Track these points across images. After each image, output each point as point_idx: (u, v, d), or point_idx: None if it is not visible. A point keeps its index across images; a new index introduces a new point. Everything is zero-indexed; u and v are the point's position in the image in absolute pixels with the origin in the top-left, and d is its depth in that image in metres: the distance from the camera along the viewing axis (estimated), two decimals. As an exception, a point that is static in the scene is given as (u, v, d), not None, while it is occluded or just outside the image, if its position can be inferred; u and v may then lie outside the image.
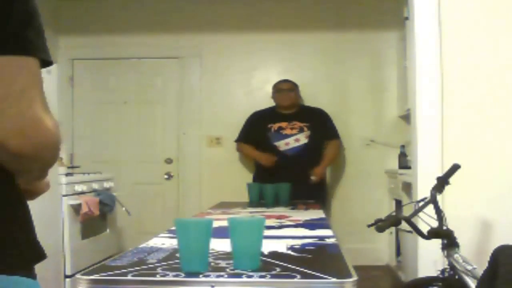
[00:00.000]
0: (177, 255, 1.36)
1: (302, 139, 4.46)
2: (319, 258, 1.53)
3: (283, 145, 4.44)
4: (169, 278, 1.23)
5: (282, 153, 4.43)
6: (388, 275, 4.62)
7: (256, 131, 4.58)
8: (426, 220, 2.17)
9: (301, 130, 4.47)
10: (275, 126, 4.48)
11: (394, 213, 2.33)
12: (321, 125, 4.58)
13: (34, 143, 0.82)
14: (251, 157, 4.72)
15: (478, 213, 2.80)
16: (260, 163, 4.50)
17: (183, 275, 1.24)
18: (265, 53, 5.13)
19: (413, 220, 2.15)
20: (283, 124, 4.48)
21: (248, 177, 4.60)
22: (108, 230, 4.12)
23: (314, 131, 4.50)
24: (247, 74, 5.11)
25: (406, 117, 4.14)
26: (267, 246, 1.52)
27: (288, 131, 4.46)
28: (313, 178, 4.41)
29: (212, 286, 1.20)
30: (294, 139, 4.45)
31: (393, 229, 4.22)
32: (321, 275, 1.22)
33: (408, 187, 3.62)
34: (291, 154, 4.43)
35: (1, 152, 0.80)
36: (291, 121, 4.50)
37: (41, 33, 0.82)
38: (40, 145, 0.83)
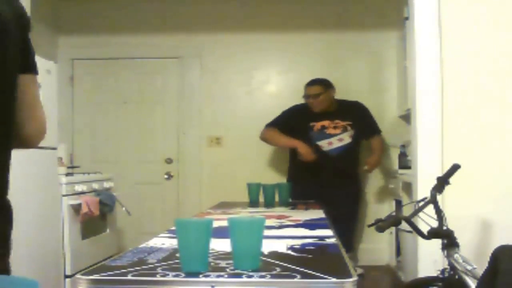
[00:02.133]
0: (177, 255, 1.36)
1: (346, 138, 4.33)
2: (319, 258, 1.53)
3: (326, 144, 4.29)
4: (169, 278, 1.22)
5: (325, 153, 4.29)
6: (388, 275, 4.62)
7: (297, 126, 4.34)
8: (426, 220, 2.17)
9: (344, 130, 4.33)
10: (318, 125, 4.30)
11: (394, 213, 2.33)
12: (362, 122, 4.45)
13: (42, 137, 1.23)
14: (286, 145, 4.41)
15: (478, 213, 2.80)
16: (298, 156, 4.23)
17: (183, 275, 1.24)
18: (265, 53, 5.13)
19: (413, 220, 2.15)
20: (326, 123, 4.31)
21: (249, 177, 4.52)
22: (108, 230, 4.12)
23: (357, 130, 4.37)
24: (247, 74, 5.11)
25: (406, 117, 4.14)
26: (267, 246, 1.52)
27: (331, 131, 4.30)
28: (366, 167, 4.44)
29: (212, 286, 1.20)
30: (337, 139, 4.30)
31: (393, 229, 4.22)
32: (321, 275, 1.22)
33: (408, 187, 3.62)
34: (334, 154, 4.30)
35: (25, 144, 1.22)
36: (333, 120, 4.33)
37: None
38: (43, 137, 1.24)
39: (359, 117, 4.45)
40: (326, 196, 3.67)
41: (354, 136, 4.37)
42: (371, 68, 5.07)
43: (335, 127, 4.28)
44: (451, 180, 2.28)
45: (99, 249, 3.86)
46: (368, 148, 4.61)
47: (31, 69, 1.20)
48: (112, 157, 5.11)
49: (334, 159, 4.30)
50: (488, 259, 1.79)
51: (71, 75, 5.17)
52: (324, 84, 4.38)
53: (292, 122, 4.39)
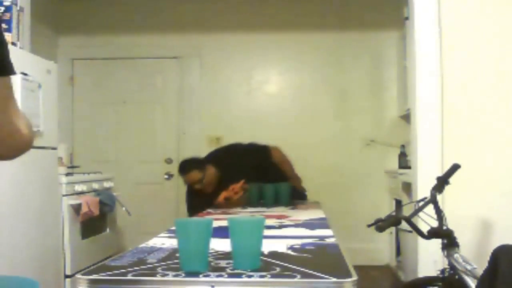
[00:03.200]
0: (177, 255, 1.36)
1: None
2: (319, 258, 1.53)
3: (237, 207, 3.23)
4: (169, 278, 1.22)
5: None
6: (388, 275, 4.62)
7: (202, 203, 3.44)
8: (426, 220, 2.17)
9: (245, 191, 3.42)
10: (220, 201, 3.40)
11: (394, 213, 2.33)
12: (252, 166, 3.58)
13: (11, 149, 0.98)
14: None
15: (478, 213, 2.80)
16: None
17: (183, 275, 1.24)
18: (265, 53, 5.13)
19: (413, 220, 2.15)
20: (226, 194, 3.41)
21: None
22: (108, 230, 4.12)
23: (252, 176, 3.48)
24: (247, 74, 5.11)
25: (406, 117, 4.14)
26: (267, 246, 1.52)
27: (235, 197, 3.41)
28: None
29: (212, 286, 1.20)
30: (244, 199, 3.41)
31: (393, 229, 4.22)
32: (321, 275, 1.22)
33: (408, 187, 3.62)
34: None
35: None
36: (226, 188, 3.44)
37: (8, 50, 0.93)
38: (17, 150, 0.99)
39: (245, 167, 3.56)
40: None
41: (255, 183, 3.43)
42: (371, 68, 5.07)
43: (236, 193, 3.42)
44: (451, 180, 2.28)
45: (99, 249, 3.86)
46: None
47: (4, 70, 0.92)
48: (112, 157, 5.11)
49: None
50: (488, 259, 1.79)
51: (71, 75, 5.17)
52: (199, 167, 3.56)
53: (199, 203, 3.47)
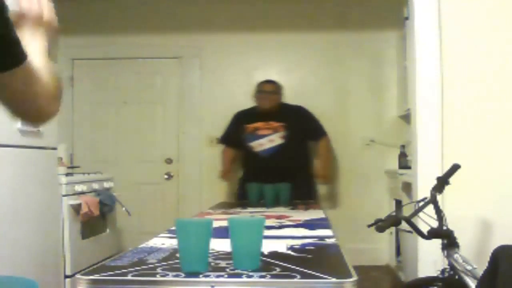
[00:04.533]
0: (177, 255, 1.36)
1: (276, 139, 4.30)
2: (319, 258, 1.53)
3: (257, 146, 4.32)
4: (169, 278, 1.23)
5: (256, 154, 4.33)
6: (388, 275, 4.62)
7: (236, 132, 4.46)
8: (426, 220, 2.17)
9: (275, 131, 4.32)
10: (251, 126, 4.35)
11: (394, 213, 2.33)
12: (300, 124, 4.41)
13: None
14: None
15: (478, 213, 2.80)
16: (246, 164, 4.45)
17: (183, 275, 1.24)
18: (265, 53, 5.13)
19: (413, 220, 2.15)
20: (260, 125, 4.34)
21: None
22: (108, 230, 4.12)
23: (291, 131, 4.32)
24: (247, 74, 5.11)
25: (406, 117, 4.14)
26: (267, 246, 1.52)
27: (263, 132, 4.33)
28: (319, 181, 4.52)
29: (212, 286, 1.20)
30: (268, 140, 4.30)
31: (393, 229, 4.22)
32: (321, 275, 1.22)
33: (408, 187, 3.62)
34: (266, 155, 4.31)
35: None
36: (267, 121, 4.34)
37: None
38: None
39: (298, 121, 4.41)
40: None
41: (287, 137, 4.30)
42: (371, 68, 5.07)
43: (267, 128, 4.31)
44: (451, 180, 2.28)
45: (99, 249, 3.86)
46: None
47: (16, 61, 0.95)
48: (112, 157, 5.11)
49: (266, 160, 4.29)
50: (488, 259, 1.79)
51: (71, 75, 5.17)
52: (278, 85, 4.52)
53: (232, 131, 4.51)
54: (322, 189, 4.83)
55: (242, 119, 4.49)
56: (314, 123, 4.54)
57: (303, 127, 4.43)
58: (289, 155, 4.30)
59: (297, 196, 3.55)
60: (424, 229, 2.14)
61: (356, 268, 1.31)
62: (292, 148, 4.32)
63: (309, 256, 1.52)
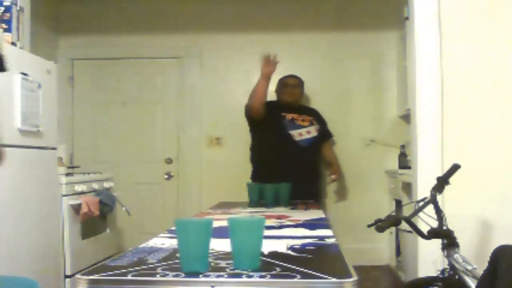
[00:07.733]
0: (177, 255, 1.36)
1: (313, 132, 4.48)
2: (319, 258, 1.53)
3: (297, 135, 4.42)
4: (169, 278, 1.23)
5: (296, 143, 4.40)
6: (388, 275, 4.62)
7: (271, 114, 4.37)
8: (426, 220, 2.17)
9: (311, 123, 4.50)
10: (289, 115, 4.46)
11: (394, 213, 2.33)
12: (319, 122, 4.62)
13: None
14: (262, 83, 4.19)
15: (478, 213, 2.80)
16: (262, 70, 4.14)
17: (183, 275, 1.24)
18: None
19: (413, 220, 2.15)
20: (295, 115, 4.48)
21: (248, 177, 4.54)
22: (108, 230, 4.12)
23: (319, 127, 4.57)
24: (247, 74, 5.10)
25: (406, 117, 4.14)
26: (267, 246, 1.52)
27: (300, 122, 4.47)
28: (333, 177, 4.70)
29: (212, 286, 1.20)
30: (306, 131, 4.45)
31: (393, 229, 4.22)
32: (321, 275, 1.22)
33: (408, 187, 3.62)
34: (304, 145, 4.41)
35: None
36: (300, 114, 4.52)
37: None
38: None
39: (319, 120, 4.65)
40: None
41: (319, 131, 4.54)
42: (371, 68, 5.07)
43: (303, 120, 4.48)
44: (451, 180, 2.28)
45: (99, 249, 3.86)
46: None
47: None
48: (112, 157, 5.11)
49: (304, 149, 4.40)
50: (488, 259, 1.79)
51: (71, 75, 5.17)
52: (300, 80, 4.69)
53: (266, 112, 4.38)
54: (322, 189, 4.84)
55: (275, 107, 4.49)
56: (326, 124, 4.75)
57: (321, 125, 4.64)
58: (319, 150, 4.61)
59: (313, 193, 3.94)
60: (424, 229, 2.14)
61: (356, 268, 1.31)
62: (320, 143, 4.60)
63: (309, 256, 1.52)
